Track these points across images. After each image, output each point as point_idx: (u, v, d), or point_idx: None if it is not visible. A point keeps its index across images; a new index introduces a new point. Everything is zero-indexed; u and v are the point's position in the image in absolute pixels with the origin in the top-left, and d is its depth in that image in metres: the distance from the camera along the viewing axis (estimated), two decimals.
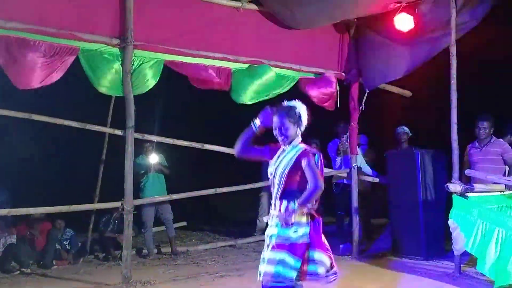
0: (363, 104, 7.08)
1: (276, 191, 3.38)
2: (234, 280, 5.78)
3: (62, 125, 5.92)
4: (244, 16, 6.40)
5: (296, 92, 6.64)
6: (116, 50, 5.65)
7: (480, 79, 8.62)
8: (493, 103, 7.80)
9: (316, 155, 3.39)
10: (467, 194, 5.47)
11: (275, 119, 3.40)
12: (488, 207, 5.24)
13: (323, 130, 7.05)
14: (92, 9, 5.53)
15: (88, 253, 7.40)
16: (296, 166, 3.32)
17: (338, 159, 7.38)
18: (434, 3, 6.05)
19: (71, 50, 5.41)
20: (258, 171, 7.60)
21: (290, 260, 3.23)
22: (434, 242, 6.55)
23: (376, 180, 7.48)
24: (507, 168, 6.16)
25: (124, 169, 5.59)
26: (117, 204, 5.74)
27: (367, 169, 7.51)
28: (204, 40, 6.13)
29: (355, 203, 7.04)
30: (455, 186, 5.46)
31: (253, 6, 6.45)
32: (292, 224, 3.26)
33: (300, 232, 3.27)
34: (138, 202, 6.54)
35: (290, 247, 3.25)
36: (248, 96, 6.53)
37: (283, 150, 3.44)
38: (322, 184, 3.26)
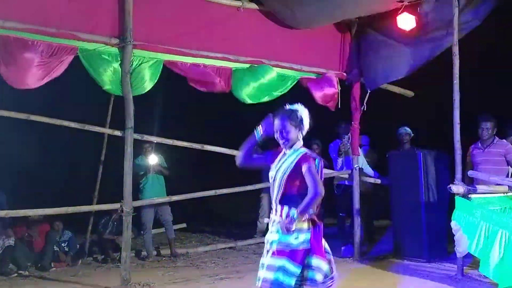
0: (364, 104, 7.05)
1: (276, 195, 3.36)
2: (234, 283, 5.75)
3: (61, 125, 5.88)
4: (245, 16, 6.36)
5: (298, 93, 6.58)
6: (115, 50, 5.61)
7: (483, 79, 8.59)
8: (496, 103, 7.77)
9: (316, 159, 3.36)
10: (469, 195, 5.45)
11: (277, 122, 3.38)
12: (491, 209, 5.21)
13: (324, 130, 7.01)
14: (92, 8, 5.50)
15: (87, 255, 7.36)
16: (296, 170, 3.30)
17: (340, 160, 7.34)
18: (437, 2, 6.03)
19: (70, 50, 5.39)
20: (259, 172, 7.57)
21: (290, 266, 3.21)
22: (437, 244, 6.51)
23: (378, 181, 7.43)
24: (510, 169, 6.12)
25: (123, 170, 5.55)
26: (116, 205, 5.71)
27: (368, 170, 7.47)
28: (204, 40, 6.10)
29: (356, 204, 6.99)
30: (457, 187, 5.44)
31: (254, 6, 6.42)
32: (293, 231, 3.23)
33: (301, 238, 3.24)
34: (138, 203, 6.51)
35: (290, 253, 3.23)
36: (249, 96, 6.50)
37: (284, 154, 3.42)
38: (322, 190, 3.23)
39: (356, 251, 6.90)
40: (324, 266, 3.27)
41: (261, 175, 7.40)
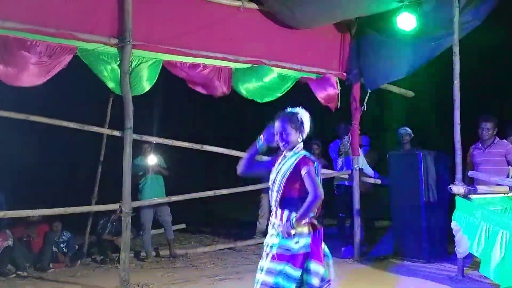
0: (364, 104, 7.03)
1: (275, 198, 3.35)
2: (233, 283, 5.73)
3: (60, 126, 5.85)
4: (244, 16, 6.34)
5: (298, 94, 6.58)
6: (114, 50, 5.59)
7: (484, 79, 8.58)
8: (497, 103, 7.76)
9: (315, 163, 3.35)
10: (470, 195, 5.44)
11: (277, 124, 3.39)
12: (491, 209, 5.20)
13: (324, 131, 7.00)
14: (91, 8, 5.48)
15: (86, 255, 7.34)
16: (295, 172, 3.29)
17: (340, 160, 7.32)
18: (437, 2, 6.01)
19: (69, 49, 5.37)
20: None
21: (291, 271, 3.20)
22: (437, 244, 6.51)
23: (378, 181, 7.41)
24: (511, 169, 6.10)
25: (122, 170, 5.53)
26: (115, 206, 5.69)
27: (368, 170, 7.45)
28: (203, 40, 6.08)
29: (356, 205, 6.97)
30: (458, 188, 5.43)
31: (254, 6, 6.40)
32: (294, 235, 3.23)
33: (301, 243, 3.24)
34: (137, 204, 6.48)
35: (291, 258, 3.22)
36: (251, 94, 6.51)
37: (284, 156, 3.41)
38: (321, 193, 3.22)
39: (356, 252, 6.89)
40: (321, 270, 3.26)
41: (260, 175, 7.36)
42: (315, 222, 3.32)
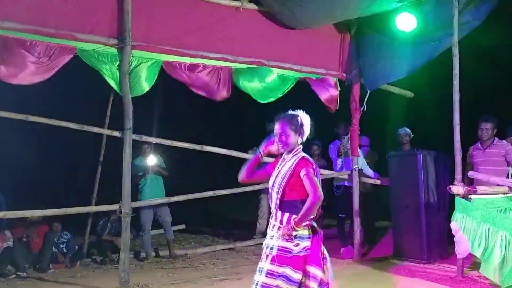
0: (364, 104, 7.03)
1: (275, 200, 3.33)
2: (233, 284, 5.72)
3: (59, 126, 5.84)
4: (244, 16, 6.33)
5: (298, 94, 6.58)
6: (113, 50, 5.58)
7: (483, 79, 8.57)
8: (496, 104, 7.76)
9: (313, 165, 3.35)
10: (469, 196, 5.42)
11: (277, 125, 3.39)
12: (491, 210, 5.18)
13: (324, 131, 6.99)
14: (90, 9, 5.48)
15: (85, 256, 7.35)
16: (294, 175, 3.28)
17: (339, 161, 7.29)
18: (437, 3, 6.00)
19: (68, 50, 5.39)
20: None
21: (291, 273, 3.18)
22: (437, 245, 6.49)
23: (378, 182, 7.40)
24: (511, 170, 6.09)
25: (122, 171, 5.52)
26: (114, 206, 5.68)
27: (368, 171, 7.43)
28: (203, 40, 6.07)
29: (356, 205, 6.96)
30: (457, 188, 5.42)
31: (253, 6, 6.39)
32: (295, 237, 3.22)
33: (302, 245, 3.23)
34: (136, 204, 6.48)
35: (291, 260, 3.20)
36: (252, 94, 6.51)
37: (284, 159, 3.41)
38: (321, 195, 3.21)
39: (356, 253, 6.87)
40: (320, 274, 3.25)
41: None
42: (315, 225, 3.32)
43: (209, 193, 6.66)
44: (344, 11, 6.32)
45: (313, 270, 3.23)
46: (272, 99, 6.63)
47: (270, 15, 6.48)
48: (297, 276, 3.18)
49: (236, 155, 6.56)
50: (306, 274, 3.22)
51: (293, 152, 3.37)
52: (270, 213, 3.46)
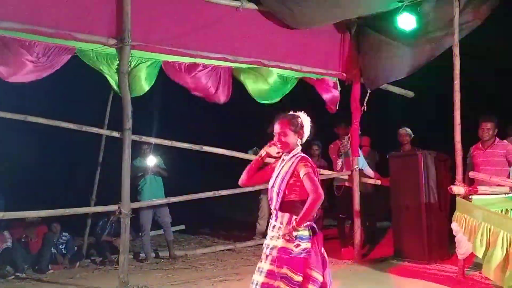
0: (364, 104, 7.00)
1: (275, 202, 3.32)
2: (233, 285, 5.70)
3: (58, 127, 5.81)
4: (244, 16, 6.31)
5: (300, 95, 6.57)
6: (112, 50, 5.56)
7: (484, 79, 8.57)
8: (497, 104, 7.74)
9: (313, 165, 3.34)
10: (470, 196, 5.39)
11: (277, 125, 3.39)
12: (492, 210, 5.16)
13: (324, 131, 6.97)
14: (89, 9, 5.45)
15: (85, 257, 7.32)
16: (294, 175, 3.28)
17: (339, 161, 7.27)
18: (437, 2, 5.99)
19: (67, 50, 5.37)
20: None
21: (293, 275, 3.17)
22: (437, 245, 6.47)
23: (378, 182, 7.37)
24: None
25: (121, 171, 5.50)
26: (114, 207, 5.65)
27: (369, 171, 7.41)
28: (202, 40, 6.05)
29: (356, 206, 6.93)
30: (458, 189, 5.40)
31: (253, 6, 6.37)
32: (295, 237, 3.20)
33: (302, 246, 3.21)
34: (136, 205, 6.45)
35: (291, 261, 3.19)
36: (255, 96, 6.50)
37: (283, 160, 3.41)
38: (322, 194, 3.20)
39: (356, 253, 6.85)
40: (320, 278, 3.24)
41: None
42: (315, 226, 3.30)
43: (209, 194, 6.64)
44: (344, 11, 6.30)
45: (314, 274, 3.21)
46: (273, 100, 6.61)
47: (270, 15, 6.46)
48: (298, 278, 3.16)
49: (236, 155, 6.54)
50: (307, 277, 3.19)
51: (292, 152, 3.36)
52: (270, 213, 3.45)
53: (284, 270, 3.16)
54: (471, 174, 5.78)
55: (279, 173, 3.35)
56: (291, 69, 6.66)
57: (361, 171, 7.13)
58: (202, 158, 7.77)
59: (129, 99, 5.57)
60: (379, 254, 7.07)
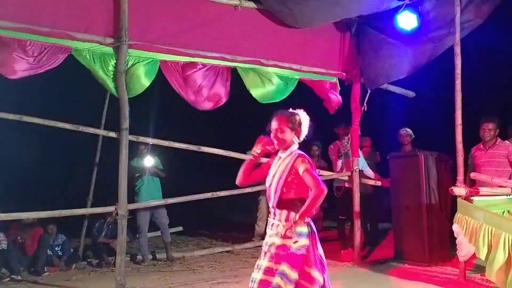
0: (365, 104, 6.96)
1: (272, 200, 3.32)
2: (231, 287, 5.67)
3: (54, 127, 5.76)
4: (242, 15, 6.25)
5: (300, 96, 6.52)
6: (109, 49, 5.50)
7: (486, 79, 8.54)
8: (498, 104, 7.71)
9: (311, 162, 3.33)
10: (472, 197, 5.35)
11: (274, 122, 3.37)
12: (493, 211, 5.11)
13: (324, 131, 6.93)
14: (86, 7, 5.40)
15: (81, 259, 7.29)
16: (291, 173, 3.26)
17: (339, 162, 7.21)
18: (438, 1, 5.97)
19: (63, 49, 5.30)
20: None
21: (290, 272, 3.16)
22: (438, 247, 6.42)
23: (379, 183, 7.33)
24: None
25: (118, 172, 5.45)
26: (111, 208, 5.60)
27: (369, 172, 7.36)
28: (201, 39, 6.01)
29: (356, 207, 6.88)
30: (459, 190, 5.38)
31: (252, 4, 6.32)
32: (294, 233, 3.18)
33: (300, 243, 3.20)
34: (133, 206, 6.40)
35: (289, 258, 3.18)
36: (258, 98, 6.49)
37: (279, 158, 3.39)
38: (325, 188, 3.17)
39: (356, 255, 6.80)
40: (321, 279, 3.22)
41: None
42: (312, 224, 3.30)
43: (207, 195, 6.58)
44: (344, 10, 6.26)
45: (315, 274, 3.19)
46: (275, 100, 6.57)
47: (269, 14, 6.41)
48: (294, 275, 3.15)
49: (235, 156, 6.48)
50: (305, 275, 3.17)
51: (289, 150, 3.35)
52: (269, 214, 3.43)
53: (282, 267, 3.16)
54: (473, 175, 5.77)
55: (276, 171, 3.33)
56: (290, 68, 6.61)
57: (361, 172, 7.08)
58: (200, 158, 7.74)
59: (126, 99, 5.53)
60: (379, 255, 7.03)
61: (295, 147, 3.36)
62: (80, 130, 5.87)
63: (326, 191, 3.16)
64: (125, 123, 5.50)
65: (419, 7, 6.00)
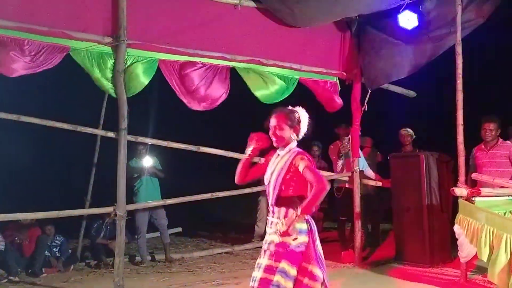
0: (365, 104, 6.91)
1: (271, 197, 3.32)
2: None
3: (52, 127, 5.72)
4: (242, 14, 6.21)
5: (301, 96, 6.48)
6: (108, 49, 5.47)
7: (487, 79, 8.52)
8: (500, 104, 7.70)
9: (310, 158, 3.32)
10: (473, 198, 5.32)
11: (273, 119, 3.36)
12: (495, 212, 5.08)
13: (324, 132, 6.89)
14: (84, 6, 5.35)
15: (79, 260, 7.25)
16: (290, 170, 3.26)
17: (340, 162, 7.18)
18: (439, 0, 5.93)
19: (61, 49, 5.26)
20: None
21: (289, 269, 3.16)
22: (439, 248, 6.40)
23: (379, 183, 7.29)
24: None
25: (117, 172, 5.41)
26: (109, 209, 5.55)
27: (369, 172, 7.32)
28: (200, 39, 5.96)
29: (357, 208, 6.84)
30: (461, 190, 5.35)
31: (251, 3, 6.28)
32: (293, 231, 3.18)
33: (300, 240, 3.20)
34: (131, 207, 6.35)
35: (288, 255, 3.18)
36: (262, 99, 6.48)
37: (278, 155, 3.38)
38: (327, 183, 3.17)
39: (357, 256, 6.76)
40: (321, 275, 3.22)
41: (259, 178, 7.25)
42: (311, 220, 3.29)
43: (206, 195, 6.54)
44: (344, 9, 6.23)
45: (315, 270, 3.19)
46: (277, 100, 6.54)
47: (269, 13, 6.37)
48: (293, 272, 3.15)
49: (234, 156, 6.44)
50: (304, 272, 3.17)
51: (287, 147, 3.34)
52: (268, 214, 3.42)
53: (282, 264, 3.16)
54: (474, 175, 5.76)
55: (274, 168, 3.33)
56: (290, 68, 6.58)
57: (361, 172, 7.04)
58: (199, 159, 7.70)
59: (124, 99, 5.48)
60: (380, 257, 7.00)
61: (294, 144, 3.36)
62: (78, 130, 5.84)
63: (328, 187, 3.16)
64: (124, 123, 5.44)
65: (420, 7, 5.97)
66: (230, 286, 5.73)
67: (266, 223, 3.46)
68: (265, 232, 3.43)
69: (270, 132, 3.35)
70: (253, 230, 8.32)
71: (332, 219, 8.21)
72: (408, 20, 6.03)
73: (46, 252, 6.83)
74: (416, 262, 6.32)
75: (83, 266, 7.15)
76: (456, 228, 5.24)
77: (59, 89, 8.28)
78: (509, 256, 4.63)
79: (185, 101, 6.03)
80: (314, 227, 3.31)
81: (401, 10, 6.00)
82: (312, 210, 3.19)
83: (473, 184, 5.76)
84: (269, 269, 3.18)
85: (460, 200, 5.29)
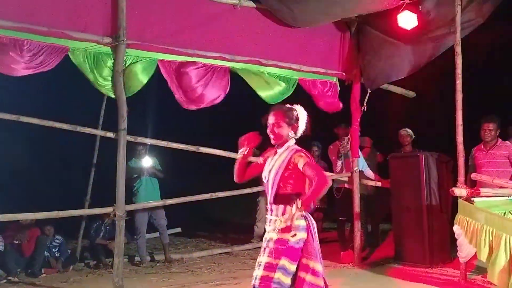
0: (365, 105, 6.91)
1: (269, 195, 3.33)
2: None
3: (52, 127, 5.72)
4: (242, 14, 6.22)
5: (301, 96, 6.49)
6: (107, 49, 5.46)
7: (487, 79, 8.52)
8: (500, 104, 7.69)
9: (308, 155, 3.34)
10: (473, 198, 5.32)
11: (271, 116, 3.37)
12: (494, 212, 5.08)
13: (324, 132, 6.89)
14: (84, 6, 5.37)
15: (78, 260, 7.25)
16: (288, 167, 3.27)
17: (339, 163, 7.17)
18: (439, 1, 5.92)
19: (60, 49, 5.26)
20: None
21: (289, 265, 3.19)
22: (439, 248, 6.38)
23: (379, 184, 7.28)
24: None
25: (116, 173, 5.42)
26: (108, 209, 5.57)
27: (369, 172, 7.32)
28: (200, 39, 5.98)
29: (356, 208, 6.84)
30: (460, 190, 5.34)
31: (251, 4, 6.29)
32: (291, 227, 3.20)
33: (298, 236, 3.22)
34: (131, 207, 6.36)
35: (287, 251, 3.20)
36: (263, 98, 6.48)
37: (276, 153, 3.39)
38: (328, 179, 3.19)
39: (356, 257, 6.75)
40: (321, 269, 3.24)
41: (258, 178, 7.25)
42: (309, 216, 3.30)
43: (206, 196, 6.56)
44: (344, 9, 6.24)
45: (316, 266, 3.21)
46: (278, 101, 6.55)
47: (269, 13, 6.38)
48: (292, 268, 3.18)
49: (233, 156, 6.43)
50: (303, 267, 3.19)
51: (285, 145, 3.34)
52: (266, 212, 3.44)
53: (282, 261, 3.17)
54: (473, 175, 5.75)
55: (272, 166, 3.33)
56: (290, 68, 6.58)
57: (361, 172, 7.03)
58: (198, 159, 7.70)
59: (124, 99, 5.50)
60: (380, 257, 6.99)
61: (292, 142, 3.36)
62: (77, 130, 5.84)
63: (330, 181, 3.17)
64: (123, 124, 5.46)
65: (420, 7, 5.96)
66: (229, 286, 5.72)
67: (265, 223, 3.47)
68: (264, 232, 3.44)
69: (268, 130, 3.35)
70: (252, 231, 8.31)
71: (331, 219, 8.20)
72: (407, 20, 6.02)
73: (45, 252, 6.82)
74: (416, 262, 6.31)
75: (82, 266, 7.15)
76: (456, 228, 5.24)
77: (58, 89, 8.28)
78: (508, 256, 4.63)
79: (180, 100, 6.02)
80: (313, 223, 3.31)
81: (400, 10, 6.01)
82: (312, 205, 3.20)
83: (472, 185, 5.75)
84: (270, 267, 3.19)
85: (459, 201, 5.28)
